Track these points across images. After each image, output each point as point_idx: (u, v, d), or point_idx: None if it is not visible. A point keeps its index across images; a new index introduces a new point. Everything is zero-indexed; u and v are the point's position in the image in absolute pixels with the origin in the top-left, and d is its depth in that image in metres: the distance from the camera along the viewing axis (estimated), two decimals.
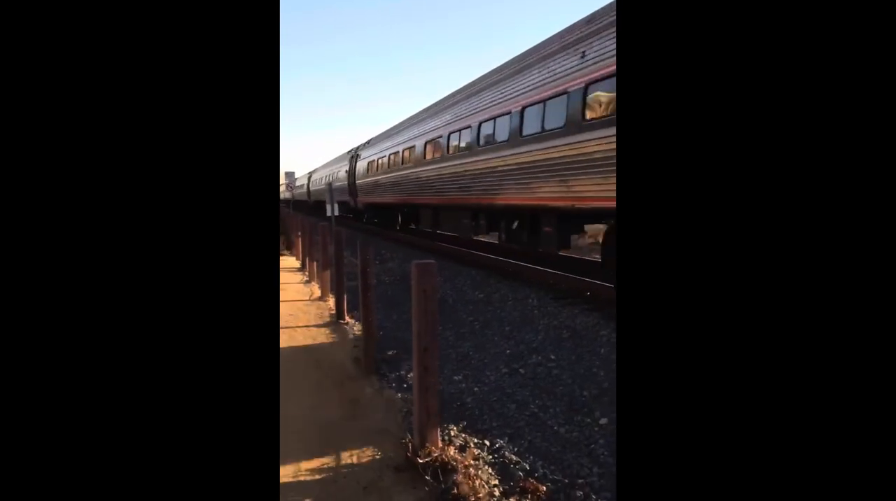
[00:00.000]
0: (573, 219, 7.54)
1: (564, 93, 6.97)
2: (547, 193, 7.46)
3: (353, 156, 21.70)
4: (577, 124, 6.64)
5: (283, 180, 26.31)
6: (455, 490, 2.48)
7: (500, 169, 8.80)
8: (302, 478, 2.76)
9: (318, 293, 8.21)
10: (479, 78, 10.70)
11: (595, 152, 6.25)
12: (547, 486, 2.72)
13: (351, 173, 21.27)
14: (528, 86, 8.02)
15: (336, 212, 12.11)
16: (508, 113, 8.54)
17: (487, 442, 3.25)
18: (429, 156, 12.27)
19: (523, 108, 8.09)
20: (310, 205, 33.84)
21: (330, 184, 13.70)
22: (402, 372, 4.44)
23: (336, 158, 27.39)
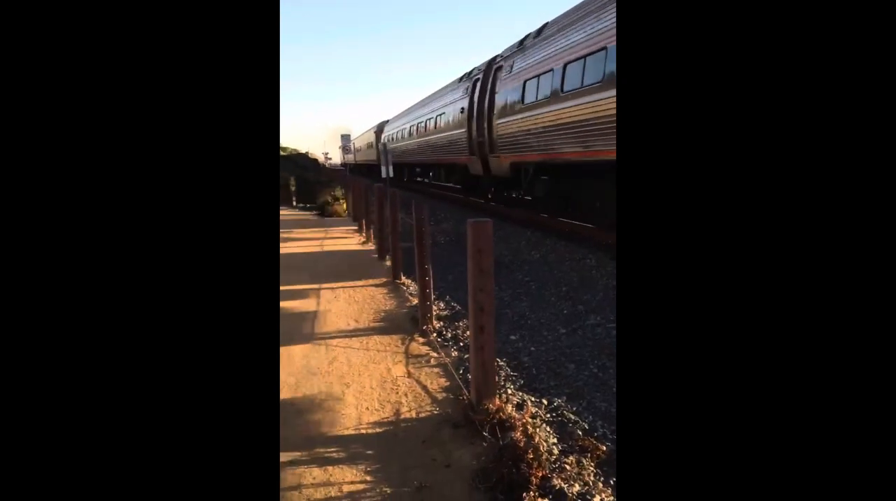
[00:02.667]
0: None
1: None
2: None
3: None
4: None
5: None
6: (513, 447, 2.49)
7: None
8: (363, 431, 2.85)
9: (375, 254, 8.35)
10: None
11: None
12: (607, 445, 2.68)
13: None
14: None
15: (391, 174, 12.01)
16: None
17: (545, 401, 3.23)
18: None
19: None
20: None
21: (384, 145, 13.26)
22: (459, 332, 4.47)
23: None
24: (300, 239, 10.25)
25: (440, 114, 14.39)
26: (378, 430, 2.87)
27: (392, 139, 23.03)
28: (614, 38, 6.56)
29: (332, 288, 6.19)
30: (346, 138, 25.48)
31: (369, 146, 30.30)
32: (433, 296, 4.81)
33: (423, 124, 16.84)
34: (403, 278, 6.49)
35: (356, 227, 11.82)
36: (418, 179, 23.16)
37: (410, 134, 18.97)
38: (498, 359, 3.68)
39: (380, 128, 28.23)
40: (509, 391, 3.33)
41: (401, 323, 4.82)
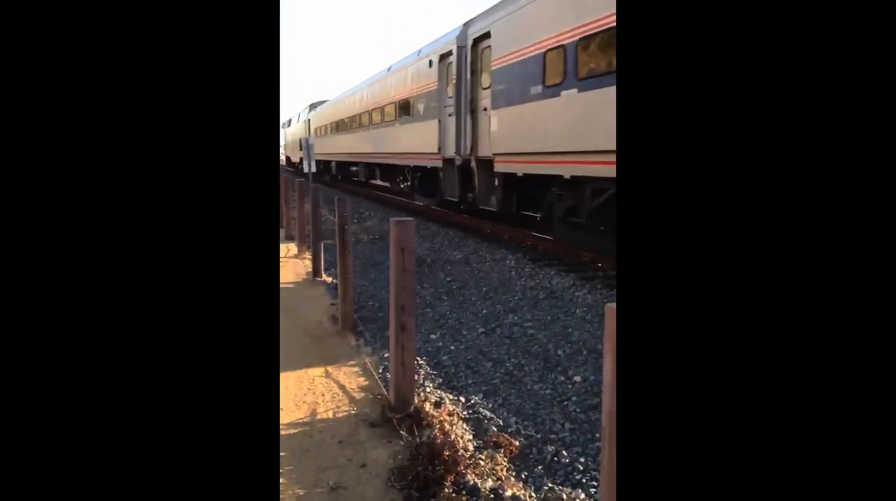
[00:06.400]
0: None
1: None
2: None
3: None
4: None
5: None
6: (430, 444, 2.52)
7: None
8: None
9: (294, 250, 8.11)
10: None
11: None
12: (520, 441, 2.78)
13: None
14: None
15: (313, 169, 11.79)
16: None
17: (462, 399, 3.29)
18: None
19: None
20: None
21: (306, 140, 13.16)
22: (379, 331, 4.45)
23: None
24: None
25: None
26: (292, 431, 2.80)
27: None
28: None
29: None
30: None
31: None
32: (353, 294, 4.75)
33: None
34: (324, 275, 6.36)
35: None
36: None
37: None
38: (418, 358, 3.70)
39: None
40: (428, 389, 3.36)
41: (320, 322, 4.72)
